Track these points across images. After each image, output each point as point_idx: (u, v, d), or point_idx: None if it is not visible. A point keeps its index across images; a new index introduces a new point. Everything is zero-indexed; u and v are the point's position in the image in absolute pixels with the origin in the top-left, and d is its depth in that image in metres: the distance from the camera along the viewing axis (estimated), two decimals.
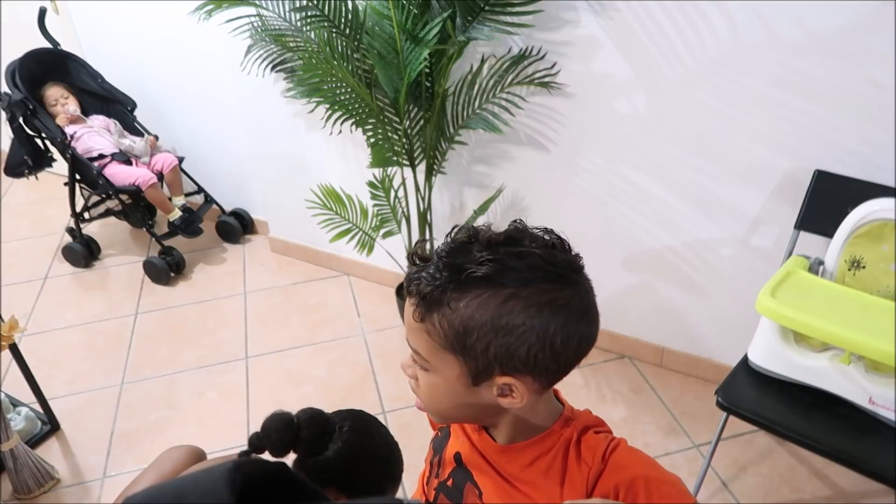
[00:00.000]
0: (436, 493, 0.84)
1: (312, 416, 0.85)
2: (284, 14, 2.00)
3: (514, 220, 0.71)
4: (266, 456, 0.80)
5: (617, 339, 2.23)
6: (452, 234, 0.69)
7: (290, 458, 0.86)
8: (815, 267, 1.54)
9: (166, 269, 2.70)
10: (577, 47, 1.79)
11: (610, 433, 0.75)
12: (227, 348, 2.38)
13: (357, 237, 2.18)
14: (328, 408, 0.92)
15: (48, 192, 3.37)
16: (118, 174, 2.63)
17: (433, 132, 1.97)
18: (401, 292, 2.34)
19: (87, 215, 2.87)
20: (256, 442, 0.79)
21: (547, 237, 0.69)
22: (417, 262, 0.69)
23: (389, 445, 0.96)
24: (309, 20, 1.85)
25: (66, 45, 2.79)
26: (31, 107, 2.57)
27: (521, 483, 0.74)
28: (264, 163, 2.64)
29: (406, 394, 2.14)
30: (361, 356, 2.31)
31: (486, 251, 0.65)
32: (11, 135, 2.67)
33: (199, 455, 0.88)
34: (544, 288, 0.65)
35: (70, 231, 2.91)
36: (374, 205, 2.14)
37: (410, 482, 1.08)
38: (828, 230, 1.54)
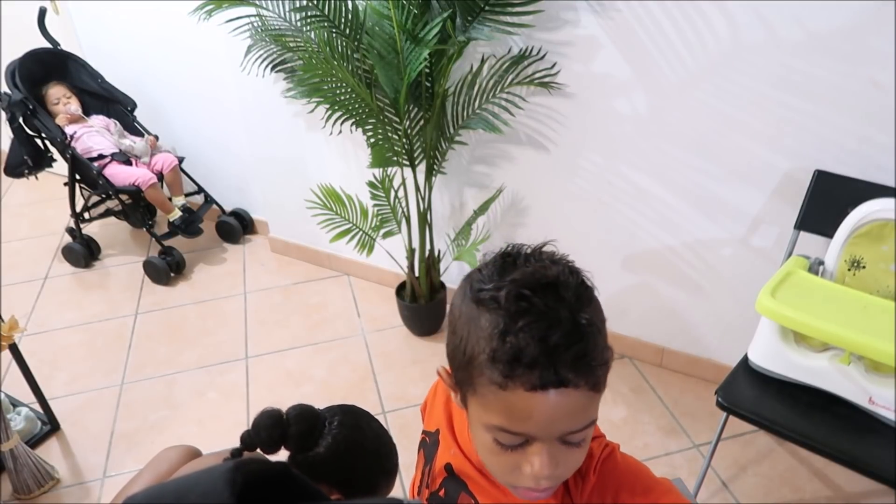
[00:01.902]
0: (428, 502, 0.83)
1: (301, 412, 0.84)
2: (284, 14, 2.00)
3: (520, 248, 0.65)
4: (259, 453, 0.80)
5: (617, 339, 2.23)
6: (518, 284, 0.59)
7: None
8: (815, 267, 1.54)
9: (166, 269, 2.70)
10: (577, 47, 1.79)
11: (602, 437, 0.74)
12: (227, 348, 2.38)
13: (357, 237, 2.18)
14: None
15: (48, 192, 3.37)
16: (118, 174, 2.63)
17: (433, 132, 1.97)
18: (401, 292, 2.34)
19: (87, 215, 2.87)
20: (247, 439, 0.79)
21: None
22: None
23: (381, 439, 0.95)
24: (309, 20, 1.85)
25: (66, 45, 2.80)
26: (30, 107, 2.57)
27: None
28: (264, 163, 2.64)
29: (406, 393, 2.14)
30: (361, 356, 2.31)
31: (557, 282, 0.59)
32: (11, 135, 2.67)
33: (195, 454, 0.88)
34: None
35: (70, 231, 2.92)
36: (374, 205, 2.14)
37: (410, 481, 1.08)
38: (828, 230, 1.54)
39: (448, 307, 0.68)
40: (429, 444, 0.86)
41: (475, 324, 0.60)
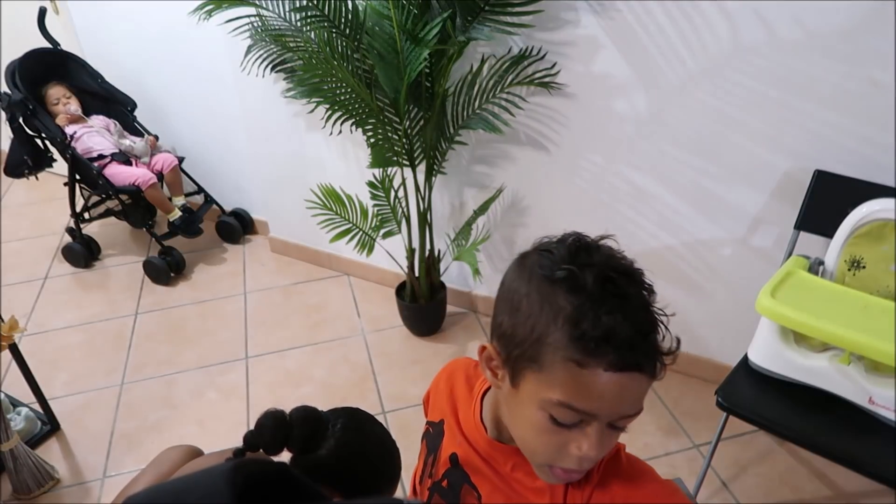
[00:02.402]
0: (430, 493, 0.83)
1: (305, 415, 0.84)
2: (284, 14, 2.00)
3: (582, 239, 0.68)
4: (261, 454, 0.80)
5: None
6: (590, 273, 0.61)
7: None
8: (815, 267, 1.54)
9: (166, 269, 2.70)
10: (577, 47, 1.79)
11: None
12: (227, 348, 2.38)
13: (357, 237, 2.18)
14: (328, 408, 0.92)
15: (48, 192, 3.37)
16: (118, 174, 2.63)
17: (433, 132, 1.97)
18: (401, 292, 2.34)
19: (87, 215, 2.87)
20: (251, 439, 0.79)
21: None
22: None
23: (384, 444, 0.95)
24: (309, 20, 1.85)
25: (66, 45, 2.80)
26: (30, 107, 2.57)
27: (521, 486, 0.73)
28: (264, 163, 2.64)
29: (406, 393, 2.14)
30: (361, 356, 2.31)
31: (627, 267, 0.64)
32: (11, 135, 2.67)
33: (197, 454, 0.88)
34: None
35: (70, 231, 2.91)
36: (374, 205, 2.14)
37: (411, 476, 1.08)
38: (828, 230, 1.54)
39: (502, 287, 0.69)
40: (432, 435, 0.86)
41: (549, 301, 0.61)
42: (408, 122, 1.98)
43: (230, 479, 0.45)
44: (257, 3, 1.96)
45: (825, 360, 1.45)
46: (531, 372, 0.63)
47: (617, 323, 0.58)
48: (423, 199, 2.09)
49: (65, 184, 2.74)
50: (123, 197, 2.68)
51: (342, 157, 2.41)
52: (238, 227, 2.95)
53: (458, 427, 0.82)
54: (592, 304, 0.59)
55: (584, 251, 0.65)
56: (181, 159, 2.82)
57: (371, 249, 2.18)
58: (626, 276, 0.62)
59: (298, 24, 1.99)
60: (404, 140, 1.99)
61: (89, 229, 2.92)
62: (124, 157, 2.68)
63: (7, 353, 1.79)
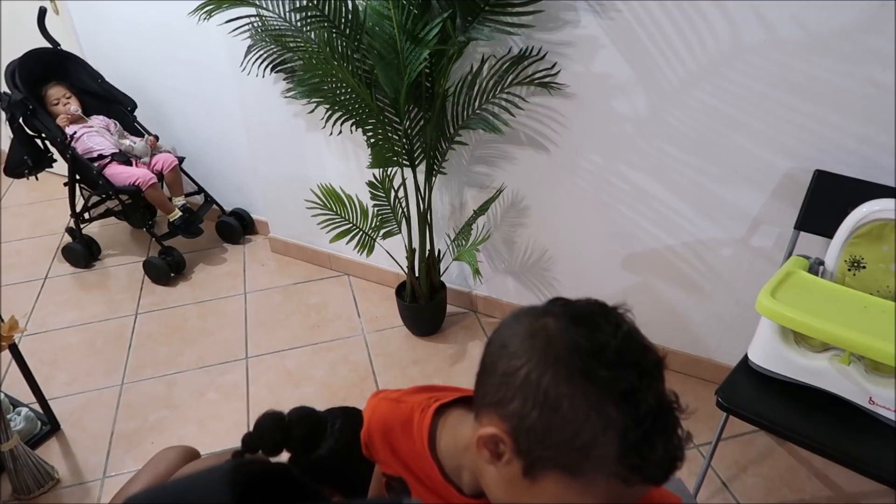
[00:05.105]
0: None
1: (303, 415, 0.84)
2: (284, 14, 2.00)
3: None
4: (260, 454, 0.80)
5: None
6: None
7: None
8: (815, 267, 1.54)
9: (166, 269, 2.70)
10: (577, 47, 1.79)
11: None
12: (227, 348, 2.38)
13: (357, 237, 2.18)
14: (328, 408, 0.92)
15: (48, 192, 3.38)
16: (118, 174, 2.63)
17: (433, 132, 1.97)
18: (401, 292, 2.34)
19: (87, 215, 2.87)
20: (249, 441, 0.79)
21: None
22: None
23: None
24: (309, 20, 1.85)
25: (66, 45, 2.80)
26: (30, 107, 2.57)
27: None
28: (264, 163, 2.64)
29: None
30: (361, 356, 2.31)
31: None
32: (11, 135, 2.67)
33: (193, 455, 0.88)
34: None
35: (70, 231, 2.92)
36: (374, 205, 2.14)
37: None
38: (828, 230, 1.54)
39: (511, 359, 0.62)
40: (397, 490, 0.83)
41: (597, 410, 0.57)
42: (408, 122, 1.98)
43: (230, 479, 0.45)
44: (257, 3, 1.96)
45: (825, 360, 1.45)
46: (560, 475, 0.60)
47: (672, 448, 0.58)
48: (423, 199, 2.09)
49: (65, 184, 2.74)
50: (123, 197, 2.68)
51: (342, 157, 2.41)
52: (238, 227, 2.95)
53: (423, 486, 0.78)
54: (648, 424, 0.57)
55: (625, 347, 0.59)
56: (181, 159, 2.82)
57: (371, 249, 2.18)
58: (659, 372, 0.60)
59: (298, 24, 1.99)
60: (404, 140, 1.99)
61: (89, 229, 2.92)
62: (124, 157, 2.68)
63: (7, 353, 1.79)
